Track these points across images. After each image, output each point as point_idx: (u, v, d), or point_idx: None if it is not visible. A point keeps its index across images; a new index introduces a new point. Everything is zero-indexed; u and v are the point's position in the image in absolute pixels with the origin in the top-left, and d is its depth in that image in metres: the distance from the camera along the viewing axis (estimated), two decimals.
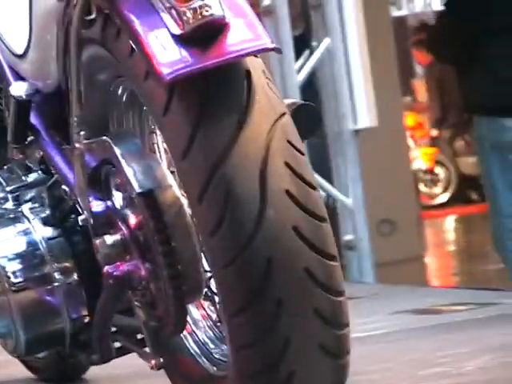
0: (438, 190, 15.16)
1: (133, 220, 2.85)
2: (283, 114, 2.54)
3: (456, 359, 4.32)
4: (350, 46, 10.72)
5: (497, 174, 8.25)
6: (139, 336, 3.19)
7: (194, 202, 2.57)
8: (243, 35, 2.49)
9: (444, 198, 14.95)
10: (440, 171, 15.49)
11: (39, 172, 3.46)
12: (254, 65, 2.58)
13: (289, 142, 2.50)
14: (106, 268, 2.88)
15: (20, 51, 3.32)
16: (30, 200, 3.45)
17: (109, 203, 2.95)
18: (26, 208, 3.40)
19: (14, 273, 3.28)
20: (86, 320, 3.31)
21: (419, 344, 5.13)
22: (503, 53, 7.81)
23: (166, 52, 2.48)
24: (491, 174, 8.41)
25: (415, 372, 4.04)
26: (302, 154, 2.56)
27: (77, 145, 2.94)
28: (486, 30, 7.77)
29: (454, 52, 8.48)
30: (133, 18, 2.59)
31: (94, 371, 4.22)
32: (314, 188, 2.55)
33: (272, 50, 2.57)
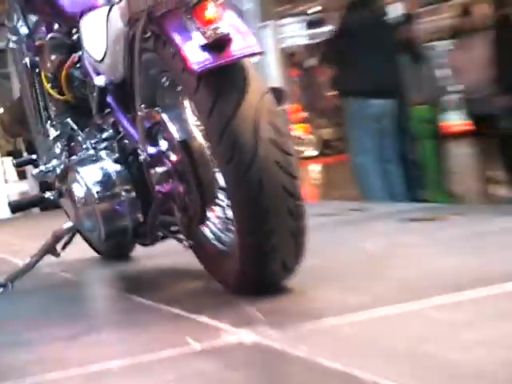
0: (309, 148, 16.26)
1: (173, 157, 3.61)
2: (266, 92, 3.36)
3: None
4: None
5: (361, 134, 11.18)
6: (175, 228, 4.05)
7: (214, 145, 3.40)
8: (241, 44, 3.26)
9: (313, 153, 16.26)
10: (310, 137, 16.69)
11: (111, 131, 4.17)
12: (248, 63, 3.37)
13: (270, 109, 3.32)
14: (157, 187, 3.68)
15: (99, 58, 3.99)
16: (104, 148, 4.19)
17: (158, 148, 3.69)
18: (103, 153, 4.16)
19: (97, 192, 4.04)
20: (141, 220, 4.08)
21: None
22: (366, 60, 10.87)
23: (195, 55, 3.24)
24: (357, 134, 11.39)
25: None
26: (280, 115, 3.52)
27: (139, 113, 3.68)
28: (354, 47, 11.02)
29: (336, 59, 11.74)
30: (174, 34, 3.34)
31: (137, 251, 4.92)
32: (288, 137, 3.55)
33: (259, 53, 3.45)
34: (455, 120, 12.31)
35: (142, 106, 3.70)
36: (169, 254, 4.56)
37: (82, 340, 3.25)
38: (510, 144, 10.96)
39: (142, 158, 3.83)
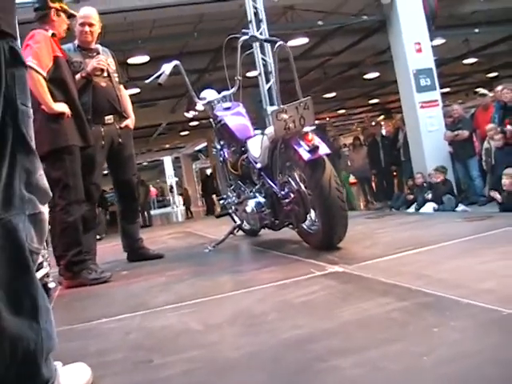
0: None
1: (292, 195, 3.69)
2: (331, 168, 3.44)
3: None
4: None
5: None
6: (289, 222, 3.94)
7: (312, 189, 3.48)
8: (323, 150, 3.39)
9: None
10: None
11: (261, 186, 4.15)
12: (325, 157, 3.44)
13: (334, 174, 3.41)
14: (285, 208, 3.78)
15: (257, 156, 4.03)
16: (258, 192, 4.18)
17: (286, 191, 3.76)
18: (257, 195, 4.18)
19: (256, 209, 4.12)
20: (273, 220, 4.10)
21: None
22: None
23: (304, 154, 3.37)
24: None
25: None
26: (337, 177, 3.48)
27: (278, 178, 3.77)
28: None
29: None
30: (295, 146, 3.44)
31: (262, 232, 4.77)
32: (340, 186, 3.47)
33: (330, 153, 3.48)
34: None
35: (279, 175, 3.84)
36: (275, 233, 4.44)
37: (262, 271, 3.32)
38: None
39: (278, 195, 3.86)
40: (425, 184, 10.08)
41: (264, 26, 9.24)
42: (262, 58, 9.33)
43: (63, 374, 1.65)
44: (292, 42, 11.50)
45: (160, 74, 4.40)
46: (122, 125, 4.65)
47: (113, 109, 4.57)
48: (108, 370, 1.87)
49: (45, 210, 1.58)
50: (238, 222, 4.79)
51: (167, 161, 32.45)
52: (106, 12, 7.20)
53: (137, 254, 4.81)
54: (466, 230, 3.73)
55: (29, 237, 1.49)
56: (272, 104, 9.34)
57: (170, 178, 32.37)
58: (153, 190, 28.80)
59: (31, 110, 1.55)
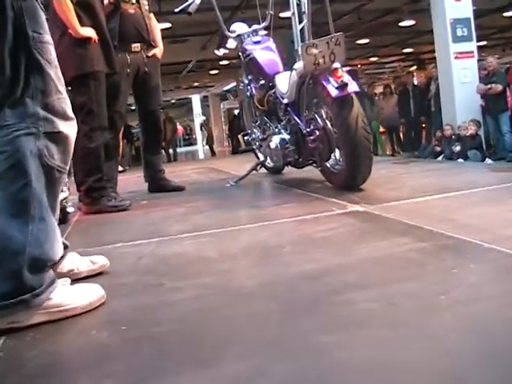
0: None
1: (317, 132, 3.60)
2: (359, 106, 3.33)
3: None
4: None
5: None
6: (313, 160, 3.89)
7: (339, 127, 3.39)
8: (351, 87, 3.27)
9: None
10: None
11: (286, 122, 4.05)
12: (353, 95, 3.32)
13: (361, 113, 3.31)
14: (309, 144, 3.68)
15: (284, 91, 3.93)
16: (283, 128, 4.09)
17: (311, 128, 3.66)
18: (282, 131, 4.09)
19: (280, 145, 4.02)
20: (297, 158, 4.03)
21: None
22: None
23: (333, 90, 3.25)
24: None
25: None
26: (364, 116, 3.37)
27: (304, 114, 3.68)
28: None
29: None
30: (324, 82, 3.33)
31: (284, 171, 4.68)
32: (367, 125, 3.35)
33: (358, 92, 3.37)
34: None
35: (306, 111, 3.73)
36: (299, 172, 4.45)
37: (282, 206, 3.28)
38: None
39: (303, 132, 3.77)
40: (453, 136, 9.89)
41: None
42: None
43: (66, 290, 1.67)
44: None
45: (190, 3, 4.23)
46: (150, 54, 4.54)
47: (140, 37, 4.46)
48: (118, 291, 1.84)
49: (68, 130, 1.66)
50: (262, 159, 4.73)
51: (195, 99, 32.20)
52: None
53: (158, 184, 4.79)
54: (493, 179, 3.65)
55: (47, 153, 1.59)
56: None
57: (198, 117, 32.18)
58: (180, 128, 28.63)
59: (46, 36, 1.62)
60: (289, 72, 3.96)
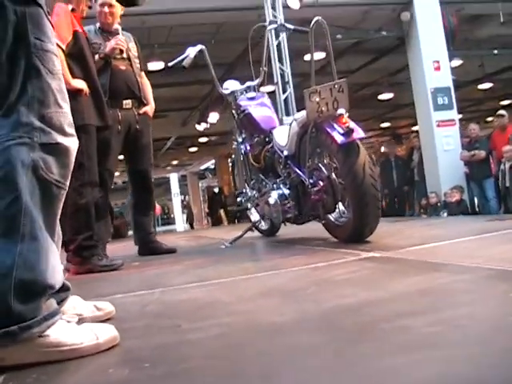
0: None
1: (322, 183, 3.44)
2: (366, 154, 3.22)
3: None
4: None
5: None
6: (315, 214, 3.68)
7: (345, 176, 3.26)
8: (357, 134, 3.16)
9: None
10: None
11: (285, 176, 3.92)
12: (359, 141, 3.22)
13: (368, 160, 3.19)
14: (313, 197, 3.51)
15: (284, 144, 3.80)
16: (282, 184, 3.94)
17: (315, 179, 3.52)
18: (281, 186, 3.94)
19: (279, 200, 3.89)
20: (297, 214, 3.85)
21: None
22: None
23: (338, 137, 3.14)
24: None
25: None
26: (371, 163, 3.24)
27: (307, 164, 3.53)
28: None
29: None
30: (328, 129, 3.22)
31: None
32: (375, 173, 3.25)
33: (364, 138, 3.24)
34: None
35: (309, 161, 3.58)
36: (295, 233, 4.38)
37: (289, 258, 3.09)
38: None
39: (306, 184, 3.61)
40: (439, 203, 9.85)
41: (283, 35, 9.10)
42: (280, 68, 9.19)
43: (70, 327, 1.44)
44: (309, 57, 11.25)
45: (184, 58, 4.17)
46: (141, 111, 4.49)
47: (131, 93, 4.41)
48: (129, 333, 1.61)
49: (67, 142, 1.50)
50: (255, 220, 4.57)
51: (173, 178, 32.22)
52: (125, 14, 7.08)
53: (148, 247, 4.61)
54: (498, 226, 3.53)
55: (44, 165, 1.42)
56: (288, 114, 9.20)
57: (176, 196, 32.11)
58: (158, 206, 28.43)
59: (50, 45, 1.51)
60: (286, 126, 3.89)
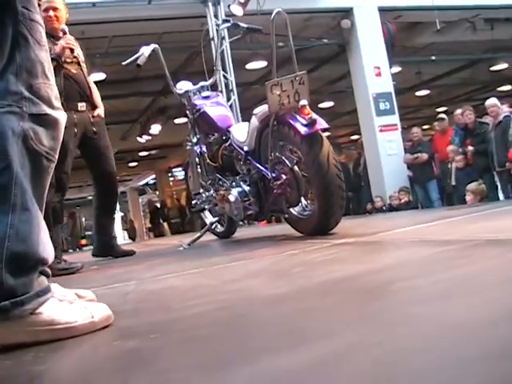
0: None
1: (285, 176, 3.43)
2: (329, 144, 3.23)
3: None
4: None
5: None
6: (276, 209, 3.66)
7: (309, 168, 3.25)
8: (320, 124, 3.18)
9: None
10: None
11: (245, 173, 3.88)
12: (321, 132, 3.23)
13: (332, 150, 3.20)
14: (275, 191, 3.49)
15: (243, 140, 3.77)
16: (242, 181, 3.90)
17: (277, 173, 3.49)
18: (241, 183, 3.89)
19: (240, 198, 3.83)
20: (258, 210, 3.81)
21: None
22: None
23: (301, 128, 3.14)
24: None
25: None
26: (334, 153, 3.27)
27: (269, 158, 3.47)
28: None
29: None
30: (291, 121, 3.22)
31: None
32: (338, 162, 3.24)
33: (327, 128, 3.28)
34: None
35: (271, 155, 3.53)
36: (251, 234, 4.22)
37: (260, 250, 3.04)
38: None
39: (268, 179, 3.58)
40: (384, 207, 10.00)
41: (227, 43, 9.11)
42: (224, 75, 9.19)
43: (63, 305, 1.36)
44: (250, 65, 11.38)
45: (139, 56, 4.11)
46: (95, 113, 4.44)
47: (85, 96, 4.36)
48: (121, 315, 1.52)
49: (57, 114, 1.44)
50: (211, 221, 4.54)
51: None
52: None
53: (106, 248, 4.56)
54: (458, 212, 3.68)
55: (34, 136, 1.36)
56: None
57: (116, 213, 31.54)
58: None
59: (37, 16, 1.46)
60: (243, 123, 3.92)
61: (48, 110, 1.41)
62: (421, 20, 11.18)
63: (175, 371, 0.95)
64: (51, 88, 1.45)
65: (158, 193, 26.39)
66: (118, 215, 31.63)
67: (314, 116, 3.20)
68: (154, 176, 26.01)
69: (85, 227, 22.79)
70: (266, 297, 1.49)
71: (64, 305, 1.36)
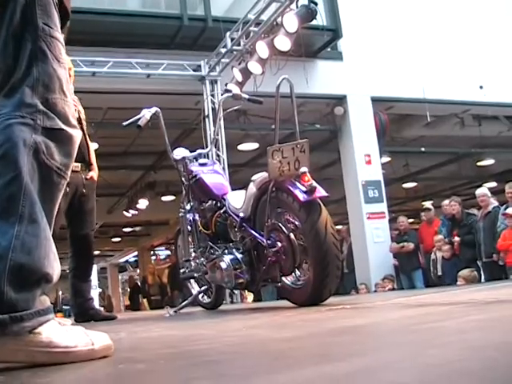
0: None
1: (280, 244, 3.37)
2: (327, 213, 3.18)
3: None
4: None
5: None
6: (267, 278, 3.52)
7: (306, 235, 3.19)
8: (320, 193, 3.16)
9: None
10: None
11: (238, 240, 3.83)
12: (320, 200, 3.21)
13: (330, 219, 3.18)
14: (269, 258, 3.42)
15: (239, 207, 3.74)
16: (235, 249, 3.84)
17: (273, 240, 3.43)
18: (233, 251, 3.83)
19: (233, 266, 3.74)
20: (250, 279, 3.74)
21: None
22: None
23: (301, 195, 3.13)
24: None
25: None
26: (332, 222, 3.25)
27: (266, 225, 3.40)
28: None
29: None
30: (290, 187, 3.21)
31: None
32: (336, 232, 3.24)
33: (327, 196, 3.21)
34: None
35: (268, 221, 3.48)
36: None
37: (251, 315, 2.96)
38: None
39: (263, 246, 3.52)
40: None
41: (221, 122, 9.20)
42: (216, 153, 9.24)
43: (64, 329, 1.30)
44: (243, 146, 11.53)
45: (140, 118, 4.14)
46: (88, 176, 4.45)
47: (81, 156, 4.37)
48: (120, 350, 1.44)
49: (71, 131, 1.42)
50: (203, 288, 4.46)
51: (93, 270, 31.23)
52: None
53: (87, 314, 4.41)
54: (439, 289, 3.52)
55: (46, 150, 1.34)
56: None
57: (95, 288, 31.06)
58: None
59: (58, 34, 1.47)
60: (239, 190, 3.92)
61: (63, 126, 1.39)
62: (412, 112, 11.40)
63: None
64: (68, 105, 1.44)
65: (138, 271, 26.10)
66: (96, 291, 31.19)
67: (314, 184, 3.20)
68: (136, 253, 25.79)
69: (62, 300, 22.26)
70: (273, 339, 1.45)
71: (65, 328, 1.31)
